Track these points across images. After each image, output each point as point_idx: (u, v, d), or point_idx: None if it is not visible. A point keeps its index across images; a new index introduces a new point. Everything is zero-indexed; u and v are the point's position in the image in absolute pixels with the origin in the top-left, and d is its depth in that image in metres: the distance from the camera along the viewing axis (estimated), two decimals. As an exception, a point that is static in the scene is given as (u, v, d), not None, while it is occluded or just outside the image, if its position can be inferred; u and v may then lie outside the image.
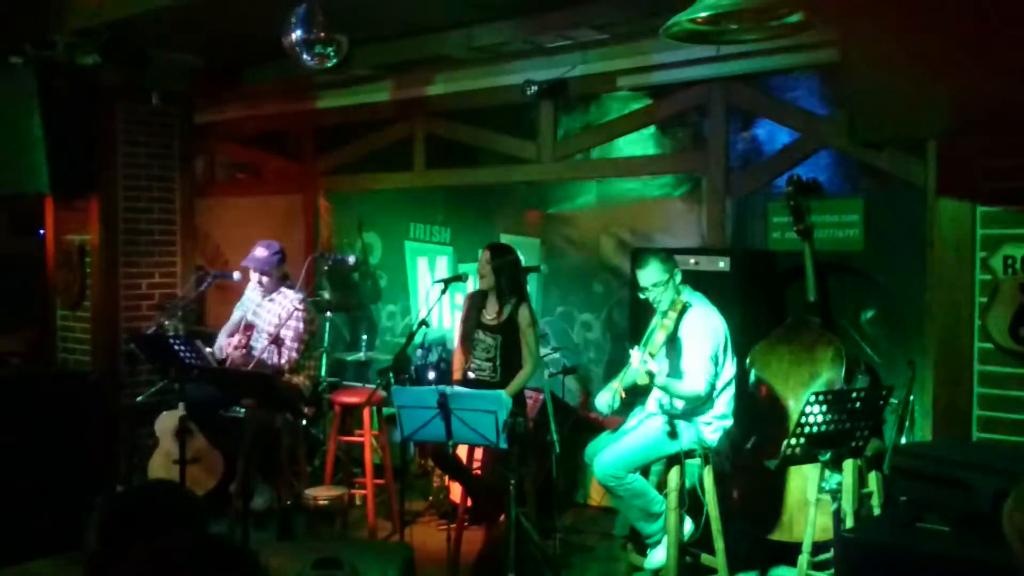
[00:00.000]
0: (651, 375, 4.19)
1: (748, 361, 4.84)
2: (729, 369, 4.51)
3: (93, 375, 6.78)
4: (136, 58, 6.63)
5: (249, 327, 5.82)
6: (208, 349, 5.68)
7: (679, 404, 4.44)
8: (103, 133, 7.02)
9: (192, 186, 7.77)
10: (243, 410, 5.41)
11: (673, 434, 4.39)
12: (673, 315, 4.31)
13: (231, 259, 7.31)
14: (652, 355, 4.19)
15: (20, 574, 3.39)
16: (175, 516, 2.00)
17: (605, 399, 4.45)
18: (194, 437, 5.57)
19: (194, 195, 7.79)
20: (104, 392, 6.75)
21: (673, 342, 4.41)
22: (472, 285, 5.61)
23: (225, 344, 5.81)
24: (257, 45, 6.03)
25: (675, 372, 4.44)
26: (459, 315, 5.72)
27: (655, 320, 4.48)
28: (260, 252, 5.75)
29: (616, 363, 5.53)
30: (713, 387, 4.42)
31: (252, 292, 5.94)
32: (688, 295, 4.47)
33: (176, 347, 5.30)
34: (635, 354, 4.21)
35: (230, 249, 7.68)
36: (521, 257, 6.26)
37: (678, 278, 4.52)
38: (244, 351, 5.67)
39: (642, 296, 4.57)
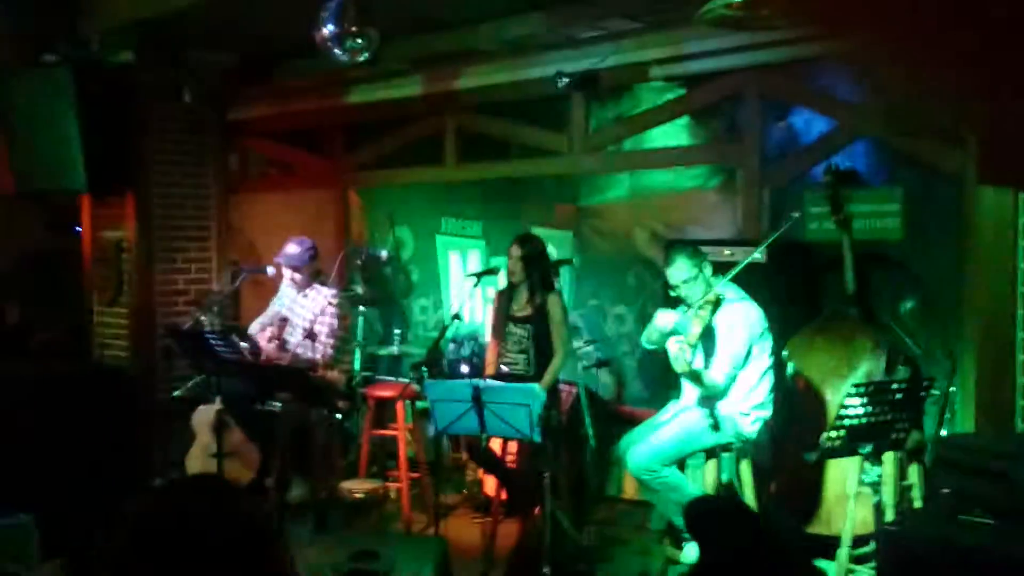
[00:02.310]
0: (688, 366, 4.17)
1: (785, 353, 4.79)
2: (766, 359, 4.47)
3: (130, 370, 6.84)
4: (169, 55, 6.70)
5: (283, 321, 5.85)
6: (243, 343, 5.72)
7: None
8: (137, 130, 7.08)
9: (225, 182, 7.82)
10: (279, 404, 5.44)
11: (715, 427, 4.36)
12: (708, 308, 4.28)
13: (264, 254, 7.35)
14: (691, 346, 4.17)
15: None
16: (217, 510, 2.00)
17: (660, 326, 4.43)
18: (230, 431, 5.61)
19: (227, 191, 7.85)
20: (141, 387, 6.82)
21: (708, 334, 4.38)
22: (504, 279, 5.61)
23: (259, 335, 5.85)
24: (289, 41, 6.05)
25: (707, 364, 4.43)
26: (491, 309, 5.72)
27: (691, 311, 4.44)
28: (292, 249, 5.79)
29: (649, 355, 5.49)
30: (733, 380, 4.38)
31: (287, 287, 5.97)
32: (723, 287, 4.43)
33: (212, 342, 5.34)
34: (673, 344, 4.19)
35: (263, 244, 7.72)
36: (553, 249, 6.25)
37: (708, 271, 4.48)
38: (278, 343, 5.70)
39: (673, 294, 4.54)
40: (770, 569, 2.38)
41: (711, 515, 2.63)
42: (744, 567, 2.39)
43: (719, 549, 2.48)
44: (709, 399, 4.44)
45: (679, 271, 4.45)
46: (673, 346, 4.18)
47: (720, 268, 4.64)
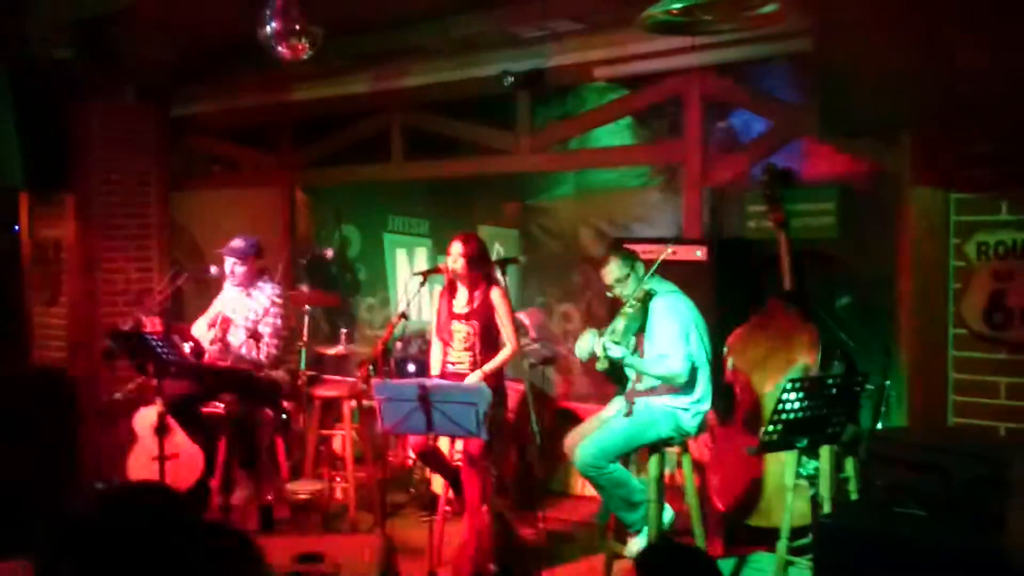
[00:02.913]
0: (612, 359, 4.23)
1: (725, 349, 4.87)
2: (704, 356, 4.55)
3: (69, 372, 6.73)
4: (110, 52, 6.59)
5: (226, 321, 5.79)
6: (186, 344, 5.65)
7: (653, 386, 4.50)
8: (78, 128, 6.97)
9: (168, 181, 7.73)
10: (222, 405, 5.40)
11: (629, 414, 4.42)
12: (637, 304, 4.37)
13: (208, 254, 7.28)
14: (616, 342, 4.24)
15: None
16: (161, 517, 2.00)
17: (585, 346, 4.51)
18: (173, 433, 5.54)
19: (170, 189, 7.75)
20: (81, 389, 6.71)
21: (644, 331, 4.46)
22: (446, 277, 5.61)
23: (203, 335, 5.78)
24: (233, 38, 5.98)
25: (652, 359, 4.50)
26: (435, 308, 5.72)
27: (620, 311, 4.53)
28: (237, 242, 5.76)
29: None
30: (692, 365, 4.45)
31: (230, 287, 5.91)
32: (655, 284, 4.52)
33: (153, 343, 5.27)
34: (595, 343, 4.30)
35: (207, 243, 7.64)
36: (499, 248, 6.27)
37: (640, 270, 4.58)
38: (220, 345, 5.64)
39: (610, 295, 4.63)
40: None
41: (667, 566, 2.57)
42: None
43: None
44: (635, 392, 4.50)
45: (611, 271, 4.57)
46: (596, 347, 4.28)
47: (663, 265, 4.69)
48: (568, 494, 6.11)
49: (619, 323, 4.38)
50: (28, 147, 6.42)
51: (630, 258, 4.59)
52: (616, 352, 4.25)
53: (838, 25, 4.08)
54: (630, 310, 4.38)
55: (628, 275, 4.55)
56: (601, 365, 4.29)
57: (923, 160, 4.47)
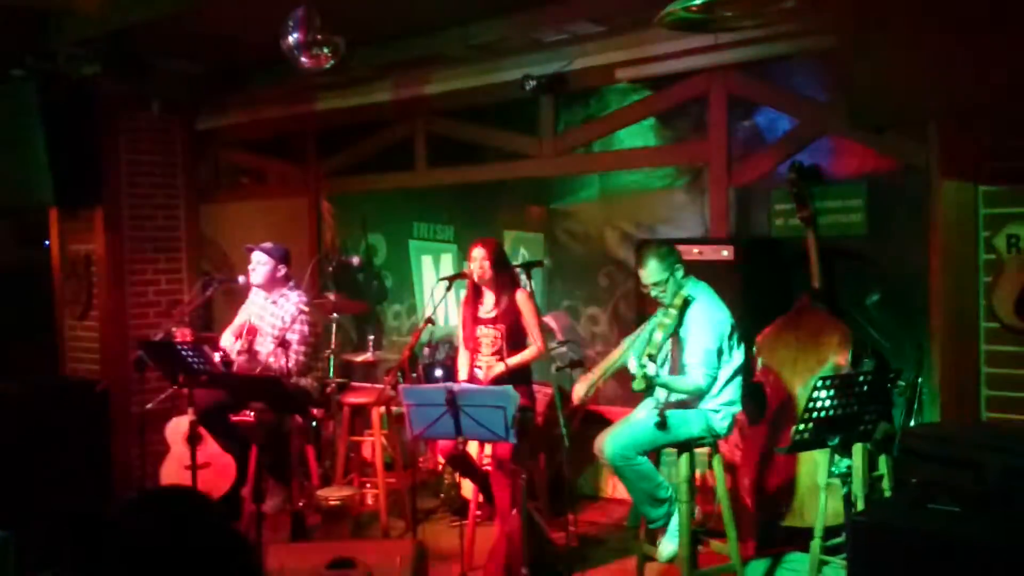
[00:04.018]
0: (648, 379, 4.18)
1: (755, 349, 4.84)
2: (737, 358, 4.52)
3: (101, 384, 6.80)
4: (136, 67, 6.67)
5: (253, 330, 5.83)
6: (216, 354, 5.70)
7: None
8: (106, 143, 7.06)
9: (196, 192, 7.80)
10: (252, 414, 5.43)
11: (662, 426, 4.38)
12: (674, 311, 4.32)
13: (236, 264, 7.34)
14: (652, 355, 4.18)
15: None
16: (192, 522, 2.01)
17: (581, 388, 4.67)
18: (204, 442, 5.59)
19: (198, 201, 7.83)
20: (113, 400, 6.78)
21: (677, 336, 4.42)
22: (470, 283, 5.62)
23: (230, 347, 5.82)
24: (256, 50, 6.05)
25: (680, 365, 4.46)
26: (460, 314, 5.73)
27: (655, 318, 4.49)
28: (267, 244, 5.82)
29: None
30: (714, 380, 4.42)
31: (256, 295, 5.95)
32: (691, 288, 4.47)
33: (184, 353, 5.31)
34: (631, 362, 4.25)
35: (235, 254, 7.70)
36: (524, 252, 6.28)
37: (679, 273, 4.52)
38: (247, 355, 5.68)
39: (646, 291, 4.59)
40: None
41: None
42: None
43: None
44: (680, 402, 4.47)
45: (651, 273, 4.49)
46: (632, 365, 4.23)
47: (689, 267, 4.68)
48: (598, 497, 6.09)
49: (656, 334, 4.32)
50: (57, 163, 6.49)
51: (669, 260, 4.51)
52: (652, 370, 4.19)
53: (863, 19, 4.05)
54: (668, 320, 4.33)
55: (667, 278, 4.48)
56: (638, 385, 4.20)
57: (950, 154, 4.44)
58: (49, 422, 6.04)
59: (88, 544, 1.87)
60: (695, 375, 4.37)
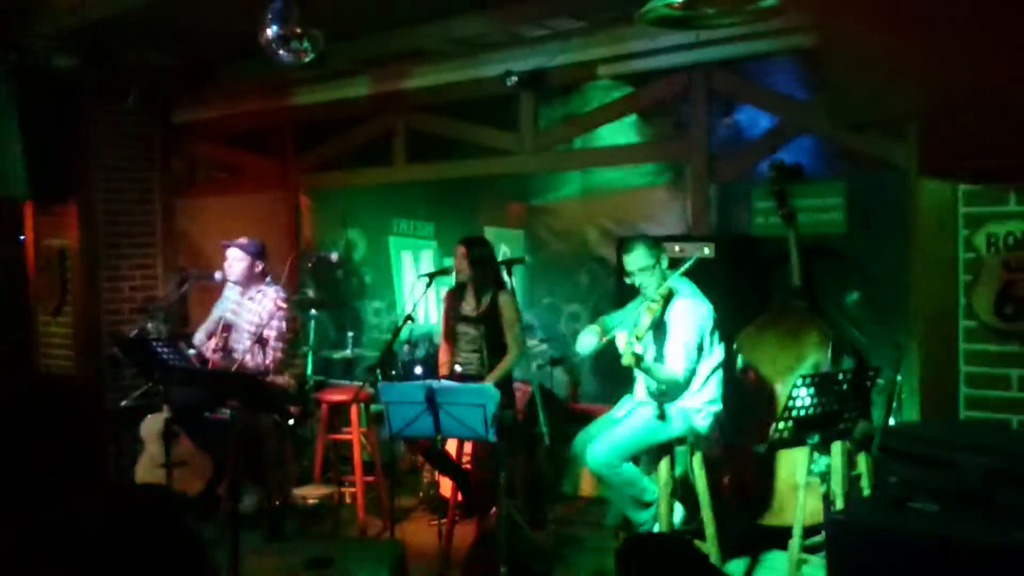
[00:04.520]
0: (637, 357, 4.18)
1: (735, 347, 4.84)
2: (717, 355, 4.51)
3: (75, 380, 6.72)
4: (112, 59, 6.58)
5: (227, 327, 5.77)
6: (190, 351, 5.64)
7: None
8: (81, 136, 6.97)
9: (171, 187, 7.71)
10: (229, 411, 5.37)
11: (662, 417, 4.39)
12: (659, 301, 4.32)
13: (212, 259, 7.26)
14: (638, 338, 4.19)
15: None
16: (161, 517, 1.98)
17: (588, 341, 4.57)
18: (180, 440, 5.53)
19: (174, 196, 7.74)
20: (87, 397, 6.70)
21: (659, 327, 4.41)
22: (453, 279, 5.60)
23: (204, 344, 5.76)
24: (234, 42, 5.98)
25: (659, 357, 4.45)
26: (442, 310, 5.71)
27: (642, 304, 4.47)
28: (242, 240, 5.76)
29: (604, 353, 5.52)
30: (693, 373, 4.42)
31: (230, 291, 5.89)
32: (675, 281, 4.47)
33: (159, 350, 5.25)
34: (621, 335, 4.22)
35: (211, 249, 7.62)
36: (505, 248, 6.25)
37: (665, 263, 4.53)
38: (223, 352, 5.62)
39: (628, 281, 4.57)
40: None
41: (648, 554, 2.39)
42: None
43: None
44: (662, 393, 4.46)
45: (637, 259, 4.49)
46: (620, 340, 4.21)
47: (670, 264, 4.67)
48: (578, 496, 6.07)
49: (642, 319, 4.32)
50: (31, 156, 6.40)
51: (656, 249, 4.54)
52: (639, 350, 4.20)
53: (840, 16, 4.04)
54: (654, 305, 4.33)
55: (653, 266, 4.49)
56: (626, 360, 4.22)
57: (930, 152, 4.43)
58: (22, 420, 5.95)
59: (54, 543, 1.85)
60: (674, 366, 4.37)
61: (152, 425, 5.69)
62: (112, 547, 1.79)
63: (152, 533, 1.81)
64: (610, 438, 4.47)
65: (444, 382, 4.80)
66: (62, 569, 1.79)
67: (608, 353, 5.11)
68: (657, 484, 4.47)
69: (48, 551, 1.80)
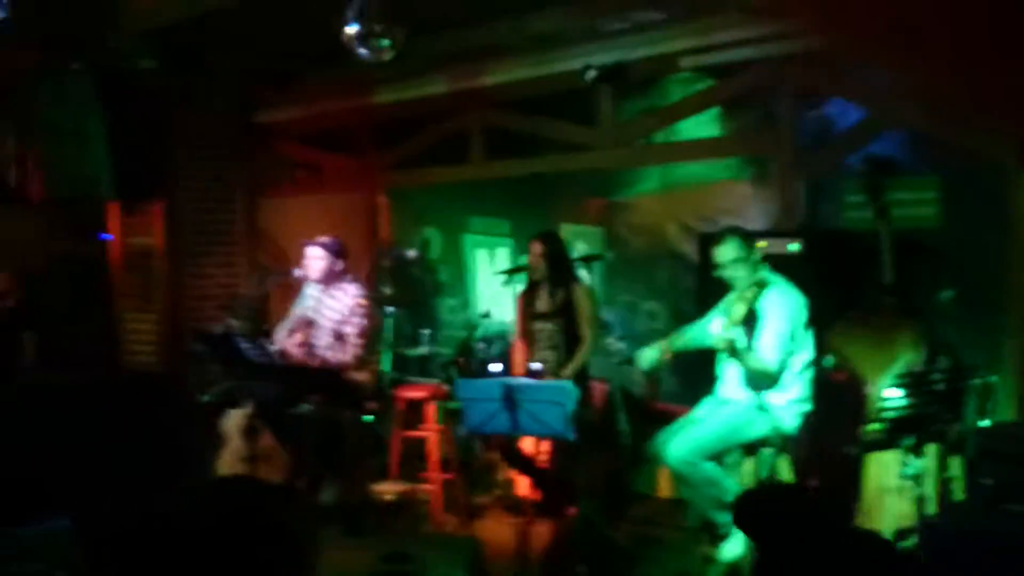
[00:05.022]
0: (731, 343, 4.09)
1: (825, 345, 4.70)
2: (807, 352, 4.40)
3: (160, 375, 6.85)
4: (194, 60, 6.70)
5: (309, 324, 5.81)
6: (272, 346, 5.69)
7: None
8: (165, 137, 7.10)
9: (253, 187, 7.83)
10: (309, 407, 5.41)
11: (762, 408, 4.30)
12: (754, 290, 4.23)
13: (293, 258, 7.34)
14: (733, 324, 4.11)
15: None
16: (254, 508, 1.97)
17: (649, 354, 4.61)
18: (261, 435, 5.58)
19: (256, 195, 7.85)
20: (172, 392, 6.82)
21: (752, 319, 4.31)
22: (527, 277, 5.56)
23: (285, 340, 5.81)
24: (314, 43, 6.02)
25: (752, 347, 4.36)
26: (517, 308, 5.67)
27: (734, 294, 4.39)
28: (323, 239, 5.80)
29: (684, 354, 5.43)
30: (784, 365, 4.31)
31: (312, 289, 5.93)
32: (768, 275, 4.38)
33: (242, 346, 5.31)
34: (717, 321, 4.16)
35: (292, 248, 7.71)
36: (583, 245, 6.19)
37: (756, 257, 4.44)
38: (306, 348, 5.66)
39: (718, 274, 4.48)
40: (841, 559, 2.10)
41: (766, 507, 2.32)
42: (812, 562, 2.12)
43: (781, 545, 2.19)
44: (757, 383, 4.36)
45: (729, 251, 4.42)
46: (716, 327, 4.15)
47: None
48: (657, 496, 5.97)
49: (737, 307, 4.25)
50: (117, 157, 6.54)
51: (748, 241, 4.45)
52: (733, 335, 4.13)
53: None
54: (749, 295, 4.25)
55: (746, 258, 4.41)
56: (719, 344, 4.21)
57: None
58: (109, 414, 6.07)
59: (148, 534, 1.85)
60: (766, 355, 4.28)
61: (234, 420, 5.76)
62: (216, 537, 1.78)
63: (259, 524, 1.80)
64: (691, 435, 4.39)
65: (521, 379, 4.76)
66: (167, 560, 1.79)
67: (688, 353, 5.04)
68: (739, 485, 4.37)
69: (150, 543, 1.80)
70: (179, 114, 7.28)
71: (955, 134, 4.88)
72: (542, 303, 5.31)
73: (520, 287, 5.50)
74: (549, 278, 5.25)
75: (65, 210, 7.70)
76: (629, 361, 5.91)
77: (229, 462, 5.84)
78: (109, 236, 7.67)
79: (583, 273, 5.48)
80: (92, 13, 6.18)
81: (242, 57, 7.08)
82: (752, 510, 2.32)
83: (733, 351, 4.21)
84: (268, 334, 6.12)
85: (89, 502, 5.26)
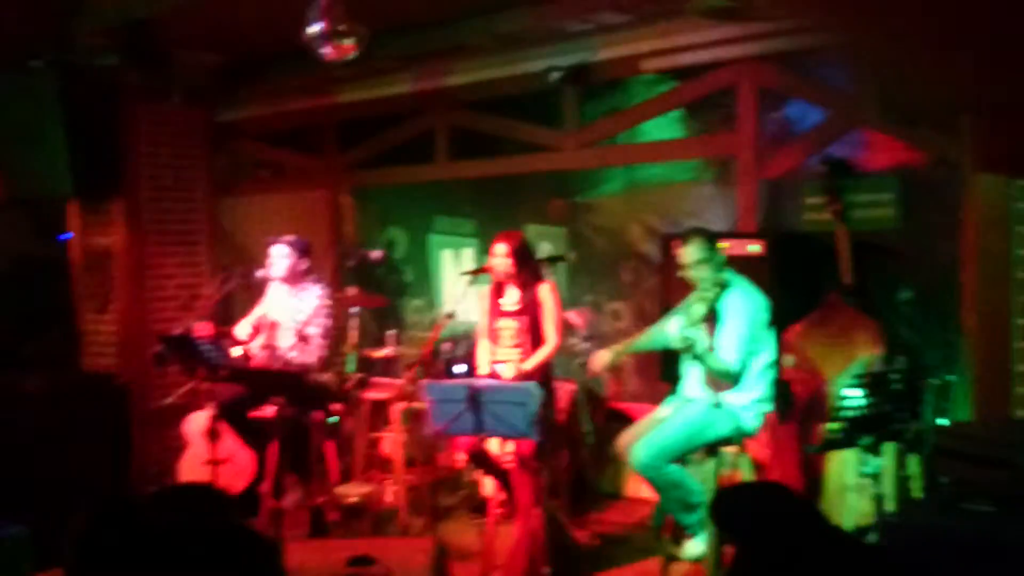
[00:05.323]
0: (690, 344, 4.13)
1: (785, 345, 4.75)
2: (768, 353, 4.44)
3: (120, 378, 6.77)
4: (156, 57, 6.63)
5: (272, 324, 5.78)
6: (236, 347, 5.65)
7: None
8: (125, 134, 7.03)
9: (215, 185, 7.76)
10: (272, 409, 5.38)
11: (718, 406, 4.33)
12: (715, 291, 4.26)
13: (256, 257, 7.29)
14: (692, 325, 4.14)
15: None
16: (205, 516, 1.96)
17: (603, 355, 4.64)
18: (223, 438, 5.54)
19: (218, 194, 7.79)
20: (132, 395, 6.75)
21: (713, 320, 4.35)
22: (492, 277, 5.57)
23: (247, 336, 5.76)
24: (278, 41, 5.98)
25: (712, 348, 4.39)
26: (481, 308, 5.67)
27: (695, 294, 4.42)
28: (288, 237, 5.77)
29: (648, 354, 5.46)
30: (746, 365, 4.35)
31: (275, 289, 5.90)
32: (730, 276, 4.42)
33: (203, 348, 5.27)
34: (675, 322, 4.18)
35: (255, 247, 7.66)
36: (547, 246, 6.20)
37: (720, 258, 4.47)
38: (269, 350, 5.63)
39: (682, 274, 4.51)
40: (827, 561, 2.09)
41: (746, 506, 2.31)
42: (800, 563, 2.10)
43: (766, 546, 2.17)
44: (718, 383, 4.39)
45: (694, 251, 4.43)
46: (675, 328, 4.17)
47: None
48: (621, 496, 6.01)
49: (696, 308, 4.27)
50: (76, 155, 6.46)
51: (711, 244, 4.48)
52: (693, 334, 4.15)
53: (891, 13, 3.96)
54: (709, 295, 4.28)
55: (710, 259, 4.43)
56: (679, 344, 4.22)
57: (984, 147, 4.34)
58: (68, 417, 6.00)
59: (109, 537, 1.84)
60: (728, 356, 4.31)
61: (196, 422, 5.72)
62: (174, 544, 1.77)
63: (213, 532, 1.80)
64: (654, 438, 4.40)
65: (486, 380, 4.77)
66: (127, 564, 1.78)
67: (653, 353, 5.07)
68: (703, 486, 4.40)
69: (109, 546, 1.79)
70: (140, 112, 7.20)
71: (913, 135, 4.96)
72: (508, 301, 5.31)
73: (487, 286, 5.50)
74: (516, 277, 5.25)
75: (25, 210, 7.60)
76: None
77: (191, 466, 5.79)
78: (69, 235, 7.57)
79: (548, 275, 5.48)
80: (53, 10, 6.10)
81: (204, 55, 7.02)
82: (731, 508, 2.33)
83: (692, 352, 4.23)
84: (231, 335, 6.07)
85: (47, 508, 5.19)
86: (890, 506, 4.10)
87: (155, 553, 1.80)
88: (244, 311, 6.19)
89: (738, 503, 2.35)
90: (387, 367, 6.88)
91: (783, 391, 4.72)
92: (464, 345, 6.56)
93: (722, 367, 4.33)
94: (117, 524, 1.89)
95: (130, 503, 1.89)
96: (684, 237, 4.56)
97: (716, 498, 2.51)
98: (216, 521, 1.92)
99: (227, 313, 7.58)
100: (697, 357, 4.32)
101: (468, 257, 7.01)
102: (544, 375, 5.10)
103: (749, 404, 4.40)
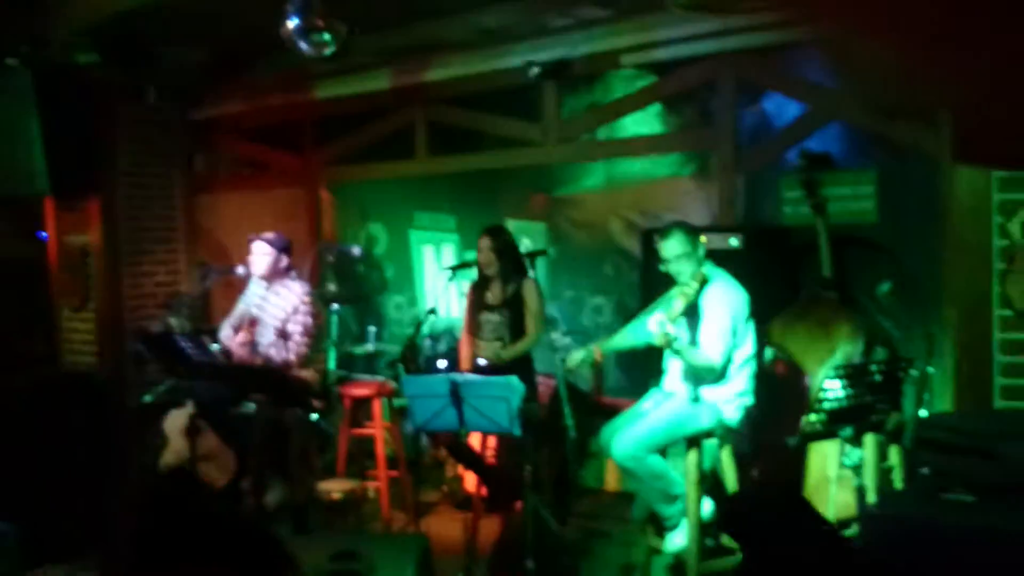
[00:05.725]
0: (669, 339, 4.13)
1: (764, 338, 4.77)
2: (749, 345, 4.45)
3: (99, 376, 6.73)
4: (133, 54, 6.58)
5: (253, 322, 5.75)
6: (214, 345, 5.62)
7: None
8: (102, 132, 6.97)
9: (193, 182, 7.71)
10: (253, 406, 5.36)
11: (697, 400, 4.34)
12: (695, 286, 4.26)
13: (234, 254, 7.26)
14: (672, 320, 4.13)
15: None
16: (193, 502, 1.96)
17: (577, 356, 4.67)
18: (204, 435, 5.51)
19: (195, 191, 7.74)
20: (111, 393, 6.71)
21: (693, 314, 4.35)
22: (476, 272, 5.56)
23: (230, 339, 5.74)
24: (255, 37, 5.95)
25: (694, 342, 4.40)
26: (465, 303, 5.67)
27: (675, 289, 4.42)
28: (269, 234, 5.73)
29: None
30: (729, 360, 4.35)
31: (255, 285, 5.87)
32: (710, 270, 4.42)
33: (182, 345, 5.23)
34: (654, 318, 4.17)
35: (233, 244, 7.62)
36: (528, 241, 6.20)
37: (701, 251, 4.47)
38: (249, 347, 5.60)
39: (663, 268, 4.51)
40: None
41: (757, 511, 2.30)
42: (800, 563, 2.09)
43: (775, 550, 2.16)
44: (700, 377, 4.40)
45: (674, 245, 4.43)
46: (653, 324, 4.16)
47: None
48: (603, 490, 6.02)
49: (676, 303, 4.27)
50: (53, 152, 6.40)
51: (693, 237, 4.48)
52: (671, 331, 4.14)
53: (869, 9, 3.98)
54: (689, 291, 4.28)
55: (691, 253, 4.43)
56: (659, 340, 4.18)
57: (962, 139, 4.36)
58: (47, 415, 5.96)
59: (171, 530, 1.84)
60: (710, 351, 4.31)
61: (176, 420, 5.68)
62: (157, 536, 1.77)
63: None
64: (636, 430, 4.41)
65: (468, 375, 4.76)
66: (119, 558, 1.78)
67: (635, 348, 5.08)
68: (684, 477, 4.41)
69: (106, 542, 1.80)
70: (117, 109, 7.15)
71: (891, 128, 4.98)
72: (491, 295, 5.32)
73: (470, 281, 5.50)
74: (500, 272, 5.25)
75: (2, 209, 7.53)
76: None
77: (172, 463, 5.76)
78: (45, 235, 7.51)
79: (529, 270, 5.49)
80: (29, 7, 6.04)
81: (181, 52, 6.97)
82: (741, 514, 2.32)
83: (671, 346, 4.22)
84: (210, 332, 6.04)
85: (30, 506, 5.16)
86: (871, 497, 4.11)
87: (210, 545, 1.81)
88: (222, 308, 6.16)
89: (748, 509, 2.35)
90: (369, 363, 6.87)
91: (764, 383, 4.74)
92: (445, 341, 6.56)
93: (703, 361, 4.34)
94: (178, 517, 1.89)
95: (185, 496, 1.90)
96: (665, 231, 4.56)
97: (727, 504, 2.51)
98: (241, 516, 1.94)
99: (205, 310, 7.55)
100: (677, 352, 4.32)
101: (449, 252, 7.00)
102: (525, 369, 5.11)
103: (730, 397, 4.42)
